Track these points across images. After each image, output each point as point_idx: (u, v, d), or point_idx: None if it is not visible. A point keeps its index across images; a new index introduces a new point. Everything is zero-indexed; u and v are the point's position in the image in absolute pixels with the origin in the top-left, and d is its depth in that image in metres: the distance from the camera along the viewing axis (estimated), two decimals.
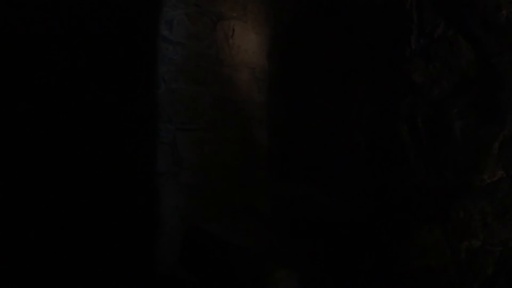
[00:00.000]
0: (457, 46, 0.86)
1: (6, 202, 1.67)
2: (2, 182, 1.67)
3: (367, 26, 1.05)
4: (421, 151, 0.90)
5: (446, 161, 0.85)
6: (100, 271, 1.80)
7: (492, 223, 0.76)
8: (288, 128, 2.31)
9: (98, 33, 1.72)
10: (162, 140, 1.90)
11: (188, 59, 1.94)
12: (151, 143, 1.89)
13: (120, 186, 1.86)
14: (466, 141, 0.82)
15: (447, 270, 0.81)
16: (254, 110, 2.26)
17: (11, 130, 1.70)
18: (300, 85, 2.07)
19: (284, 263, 1.53)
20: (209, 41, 2.00)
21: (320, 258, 1.43)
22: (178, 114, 1.94)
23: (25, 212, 1.72)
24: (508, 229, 0.77)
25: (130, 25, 1.78)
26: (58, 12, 1.70)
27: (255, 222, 2.05)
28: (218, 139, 2.10)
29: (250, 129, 2.25)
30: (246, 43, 2.16)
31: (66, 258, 1.78)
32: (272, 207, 2.13)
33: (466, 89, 0.84)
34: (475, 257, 0.78)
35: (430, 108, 0.89)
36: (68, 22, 1.69)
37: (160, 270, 1.90)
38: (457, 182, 0.83)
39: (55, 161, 1.79)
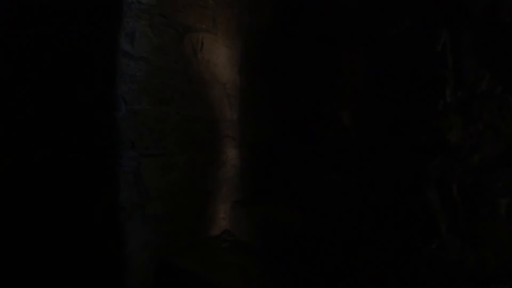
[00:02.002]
0: (508, 109, 0.73)
1: None
2: None
3: (372, 54, 0.93)
4: (455, 224, 0.80)
5: (486, 240, 0.77)
6: None
7: None
8: (263, 147, 2.19)
9: (44, 47, 1.42)
10: (124, 169, 1.65)
11: (153, 76, 1.71)
12: (112, 174, 1.63)
13: (77, 227, 1.58)
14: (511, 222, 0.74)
15: None
16: (226, 128, 2.09)
17: None
18: (278, 101, 1.96)
19: None
20: (175, 55, 1.79)
21: None
22: (142, 139, 1.70)
23: None
24: None
25: (82, 38, 1.50)
26: None
27: (233, 252, 1.90)
28: (188, 162, 1.90)
29: (222, 149, 2.09)
30: (216, 57, 1.98)
31: None
32: (250, 232, 1.99)
33: None
34: None
35: (468, 176, 0.79)
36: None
37: None
38: (498, 265, 0.75)
39: None
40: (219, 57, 1.99)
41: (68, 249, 1.58)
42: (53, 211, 1.56)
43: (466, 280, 0.78)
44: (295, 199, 2.07)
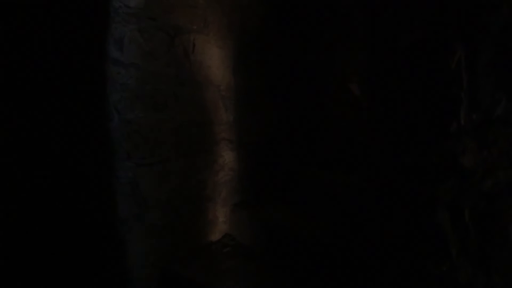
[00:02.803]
0: None
1: None
2: None
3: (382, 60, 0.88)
4: (466, 248, 0.79)
5: (497, 265, 0.75)
6: None
7: None
8: (261, 148, 2.15)
9: (28, 60, 1.34)
10: (121, 181, 1.60)
11: (144, 82, 1.64)
12: (109, 186, 1.58)
13: (77, 242, 1.54)
14: None
15: None
16: (222, 131, 2.05)
17: None
18: (274, 99, 1.91)
19: None
20: (167, 59, 1.72)
21: None
22: (137, 148, 1.65)
23: None
24: None
25: (68, 47, 1.42)
26: None
27: (234, 256, 1.89)
28: (185, 168, 1.86)
29: (219, 152, 2.04)
30: (209, 59, 1.91)
31: None
32: (251, 235, 1.98)
33: None
34: None
35: (481, 200, 0.77)
36: None
37: None
38: None
39: None
40: (212, 58, 1.93)
41: (70, 263, 1.55)
42: (52, 226, 1.51)
43: None
44: (296, 200, 2.06)
